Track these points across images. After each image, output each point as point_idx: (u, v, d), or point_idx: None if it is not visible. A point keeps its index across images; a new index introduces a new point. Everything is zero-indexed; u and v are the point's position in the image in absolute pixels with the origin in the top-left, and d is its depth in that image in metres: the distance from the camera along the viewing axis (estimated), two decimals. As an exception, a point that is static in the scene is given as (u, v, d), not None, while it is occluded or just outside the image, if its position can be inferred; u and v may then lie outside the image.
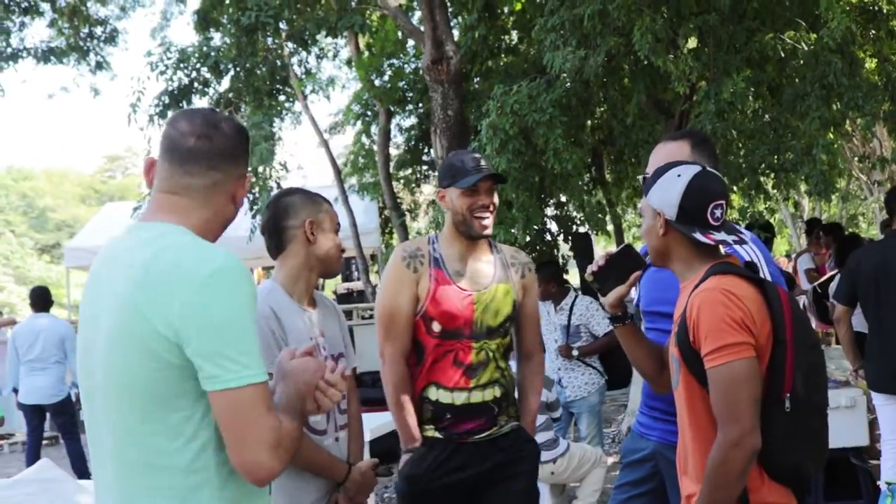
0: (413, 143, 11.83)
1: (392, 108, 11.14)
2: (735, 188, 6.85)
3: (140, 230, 1.78)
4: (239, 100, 9.65)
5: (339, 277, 14.98)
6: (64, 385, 7.84)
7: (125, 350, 1.66)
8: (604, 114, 9.12)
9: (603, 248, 15.55)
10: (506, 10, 9.60)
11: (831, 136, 7.11)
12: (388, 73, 10.86)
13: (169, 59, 9.30)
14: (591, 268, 2.48)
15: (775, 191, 7.73)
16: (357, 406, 2.87)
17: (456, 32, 8.84)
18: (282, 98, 10.33)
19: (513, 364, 3.19)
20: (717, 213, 2.20)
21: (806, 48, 6.84)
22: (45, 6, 10.62)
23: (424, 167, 12.19)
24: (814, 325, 6.71)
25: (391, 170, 11.61)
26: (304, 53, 10.89)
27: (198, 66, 9.33)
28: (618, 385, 6.38)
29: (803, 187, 8.24)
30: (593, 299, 6.14)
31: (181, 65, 9.30)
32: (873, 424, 5.12)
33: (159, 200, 1.81)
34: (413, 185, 12.57)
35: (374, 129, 11.83)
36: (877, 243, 5.98)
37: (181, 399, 1.66)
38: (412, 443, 2.96)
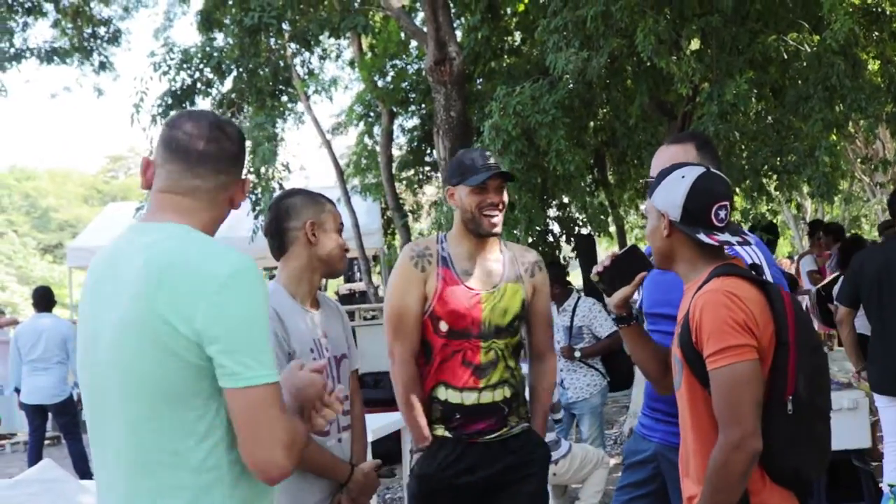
0: (416, 144, 11.85)
1: (395, 109, 11.16)
2: (738, 190, 6.85)
3: (148, 230, 1.78)
4: (242, 100, 9.67)
5: (341, 278, 14.99)
6: (66, 385, 7.85)
7: (139, 349, 1.67)
8: (606, 115, 9.13)
9: (605, 249, 15.55)
10: (509, 11, 9.61)
11: (834, 137, 7.11)
12: (391, 73, 10.88)
13: (172, 59, 9.32)
14: (597, 268, 2.48)
15: (778, 192, 7.74)
16: (360, 407, 2.87)
17: (459, 33, 8.86)
18: (284, 99, 10.35)
19: (524, 365, 3.18)
20: (721, 214, 2.20)
21: (809, 50, 6.84)
22: (49, 6, 10.65)
23: (427, 168, 12.21)
24: (816, 328, 6.70)
25: (394, 171, 11.64)
26: (306, 54, 10.92)
27: (201, 66, 9.35)
28: (620, 387, 6.38)
29: (806, 189, 8.25)
30: (596, 301, 6.15)
31: (184, 65, 9.33)
32: (875, 426, 5.12)
33: (163, 201, 1.81)
34: (415, 185, 12.59)
35: (376, 129, 11.85)
36: (880, 245, 5.98)
37: (196, 398, 1.67)
38: (423, 442, 2.95)
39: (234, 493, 1.71)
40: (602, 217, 8.22)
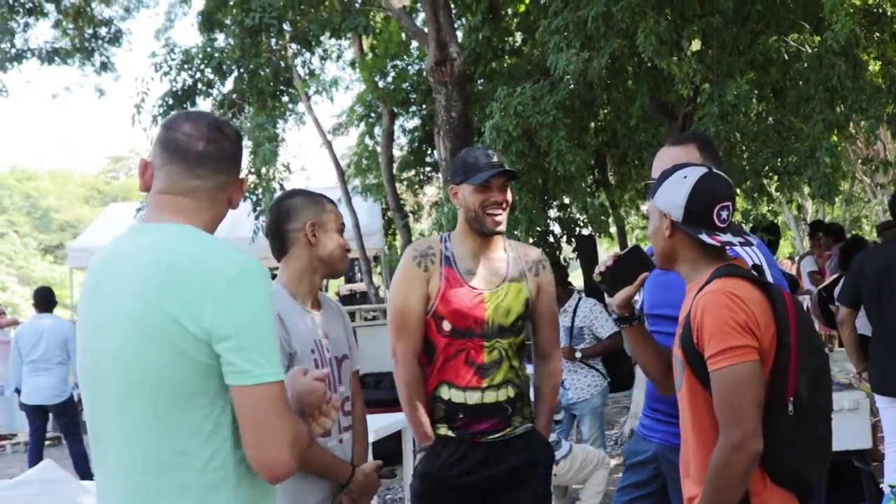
0: (416, 144, 11.86)
1: (395, 110, 11.17)
2: (738, 191, 6.85)
3: (149, 231, 1.78)
4: (242, 101, 9.67)
5: (341, 279, 14.99)
6: (67, 386, 7.86)
7: (145, 349, 1.67)
8: (607, 116, 9.13)
9: (606, 250, 15.55)
10: (510, 11, 9.62)
11: (835, 138, 7.11)
12: (392, 74, 10.89)
13: (173, 60, 9.31)
14: (599, 268, 2.48)
15: (778, 193, 7.73)
16: (362, 408, 2.87)
17: (460, 34, 8.86)
18: (285, 99, 10.34)
19: (529, 367, 3.17)
20: (724, 214, 2.20)
21: (810, 51, 6.84)
22: (50, 7, 10.65)
23: (428, 169, 12.21)
24: (817, 328, 6.69)
25: (394, 171, 11.64)
26: (307, 55, 10.92)
27: (202, 67, 9.34)
28: (620, 387, 6.37)
29: (807, 190, 8.25)
30: (597, 301, 6.15)
31: (185, 66, 9.32)
32: (876, 427, 5.12)
33: (163, 202, 1.81)
34: (416, 186, 12.60)
35: (377, 130, 11.87)
36: (880, 246, 5.98)
37: (204, 396, 1.68)
38: (426, 441, 2.95)
39: (239, 492, 1.72)
40: (603, 218, 8.22)
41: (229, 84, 9.69)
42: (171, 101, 9.18)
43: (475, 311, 2.91)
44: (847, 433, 4.67)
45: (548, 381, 3.13)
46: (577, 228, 9.48)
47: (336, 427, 2.68)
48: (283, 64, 10.04)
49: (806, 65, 6.80)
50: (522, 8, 9.31)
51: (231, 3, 9.61)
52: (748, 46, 6.70)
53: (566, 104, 6.72)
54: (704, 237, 2.18)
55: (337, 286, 16.08)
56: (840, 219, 19.34)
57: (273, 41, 9.76)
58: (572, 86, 6.84)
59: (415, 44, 10.36)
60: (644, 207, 13.53)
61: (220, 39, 9.84)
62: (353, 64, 12.26)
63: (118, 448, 1.73)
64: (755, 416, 2.02)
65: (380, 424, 4.94)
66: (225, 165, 1.85)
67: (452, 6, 8.39)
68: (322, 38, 10.32)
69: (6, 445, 10.91)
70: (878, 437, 5.14)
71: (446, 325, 2.92)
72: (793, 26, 7.20)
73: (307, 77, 10.87)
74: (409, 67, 11.09)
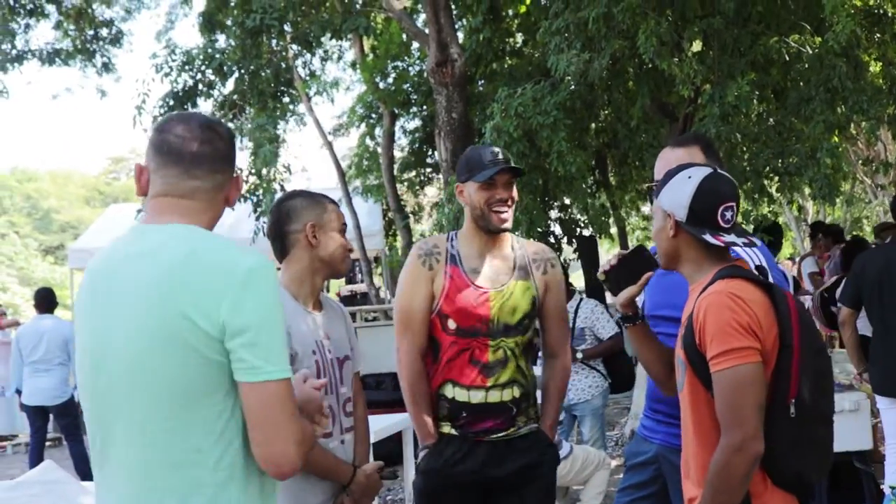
0: (417, 145, 11.88)
1: (396, 111, 11.18)
2: (739, 191, 6.84)
3: (151, 232, 1.78)
4: (243, 102, 9.68)
5: (342, 279, 14.99)
6: (67, 387, 7.85)
7: (155, 348, 1.67)
8: (608, 117, 9.13)
9: (607, 251, 15.54)
10: (510, 12, 9.62)
11: (836, 139, 7.10)
12: (393, 75, 10.90)
13: (174, 61, 9.33)
14: (604, 267, 2.48)
15: (779, 194, 7.73)
16: (363, 409, 2.87)
17: (460, 35, 8.87)
18: (286, 100, 10.36)
19: (537, 369, 3.15)
20: (728, 214, 2.20)
21: (810, 52, 6.85)
22: (51, 8, 10.66)
23: (428, 169, 12.23)
24: (818, 328, 6.68)
25: (395, 172, 11.66)
26: (308, 56, 10.94)
27: (202, 68, 9.36)
28: (621, 388, 6.37)
29: (807, 191, 8.24)
30: (598, 302, 6.14)
31: (186, 67, 9.34)
32: (877, 428, 5.11)
33: (163, 205, 1.81)
34: (417, 187, 12.61)
35: (378, 131, 11.88)
36: (881, 247, 5.98)
37: (216, 394, 1.69)
38: (428, 439, 2.94)
39: (248, 489, 1.73)
40: (603, 218, 8.22)
41: (230, 85, 9.71)
42: (171, 102, 9.20)
43: (480, 309, 2.90)
44: (847, 434, 4.67)
45: (556, 380, 3.09)
46: (578, 229, 9.48)
47: (338, 428, 2.68)
48: (283, 65, 10.06)
49: (807, 66, 6.80)
50: (523, 9, 9.31)
51: (232, 4, 9.63)
52: (749, 47, 6.70)
53: (567, 105, 6.72)
54: (708, 237, 2.18)
55: (338, 287, 16.08)
56: (841, 220, 19.36)
57: (274, 42, 9.78)
58: (573, 87, 6.84)
59: (415, 45, 10.37)
60: (645, 208, 13.54)
61: (221, 40, 9.86)
62: (353, 65, 12.27)
63: (120, 448, 1.73)
64: (757, 418, 2.02)
65: (381, 425, 4.93)
66: (220, 165, 1.85)
67: (453, 7, 8.40)
68: (323, 39, 10.33)
69: (7, 446, 10.90)
70: (879, 438, 5.14)
71: (451, 324, 2.91)
72: (794, 27, 7.20)
73: (308, 78, 10.88)
74: (410, 68, 11.11)
